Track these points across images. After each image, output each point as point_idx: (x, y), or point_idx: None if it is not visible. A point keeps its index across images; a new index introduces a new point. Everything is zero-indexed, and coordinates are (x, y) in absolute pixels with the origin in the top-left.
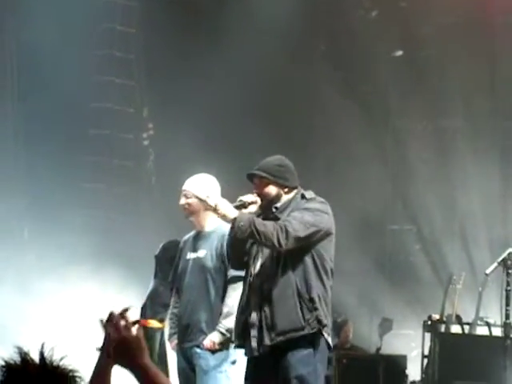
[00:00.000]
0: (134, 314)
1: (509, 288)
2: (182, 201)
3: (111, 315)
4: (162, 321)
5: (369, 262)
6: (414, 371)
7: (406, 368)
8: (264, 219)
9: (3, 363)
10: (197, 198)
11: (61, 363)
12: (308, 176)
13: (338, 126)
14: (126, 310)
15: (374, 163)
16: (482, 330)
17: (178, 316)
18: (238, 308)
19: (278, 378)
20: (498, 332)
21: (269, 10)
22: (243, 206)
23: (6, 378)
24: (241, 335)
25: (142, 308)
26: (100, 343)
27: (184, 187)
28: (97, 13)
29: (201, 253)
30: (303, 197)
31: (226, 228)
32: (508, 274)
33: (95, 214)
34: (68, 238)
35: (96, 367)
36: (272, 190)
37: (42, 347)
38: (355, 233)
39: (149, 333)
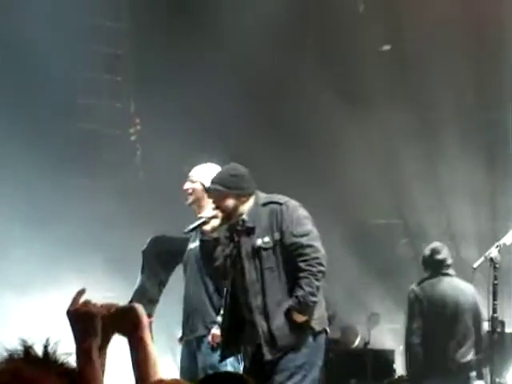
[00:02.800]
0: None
1: (496, 282)
2: (187, 185)
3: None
4: (149, 316)
5: (355, 257)
6: (401, 365)
7: (393, 362)
8: (233, 232)
9: (7, 355)
10: (202, 184)
11: (64, 359)
12: (294, 169)
13: (325, 119)
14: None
15: (360, 156)
16: None
17: (183, 309)
18: (225, 317)
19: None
20: (485, 326)
21: (257, 3)
22: (205, 222)
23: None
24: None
25: (129, 303)
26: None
27: (191, 173)
28: (85, 8)
29: (198, 242)
30: (276, 203)
31: None
32: (495, 268)
33: (82, 208)
34: (55, 232)
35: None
36: (230, 202)
37: (47, 341)
38: (341, 227)
39: None
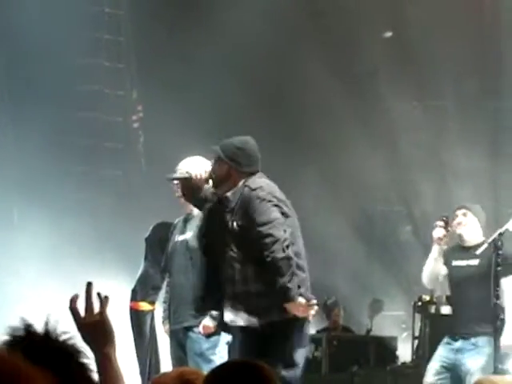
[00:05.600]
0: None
1: (498, 269)
2: (176, 180)
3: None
4: (152, 303)
5: (359, 244)
6: (404, 352)
7: (396, 349)
8: (218, 206)
9: (8, 334)
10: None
11: (64, 337)
12: (298, 158)
13: (328, 108)
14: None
15: (364, 144)
16: None
17: (169, 299)
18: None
19: None
20: None
21: None
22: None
23: (10, 349)
24: None
25: (133, 291)
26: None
27: (179, 166)
28: None
29: (188, 235)
30: (249, 187)
31: None
32: (498, 254)
33: (84, 196)
34: (57, 221)
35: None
36: (222, 169)
37: (47, 319)
38: (346, 214)
39: (139, 316)
